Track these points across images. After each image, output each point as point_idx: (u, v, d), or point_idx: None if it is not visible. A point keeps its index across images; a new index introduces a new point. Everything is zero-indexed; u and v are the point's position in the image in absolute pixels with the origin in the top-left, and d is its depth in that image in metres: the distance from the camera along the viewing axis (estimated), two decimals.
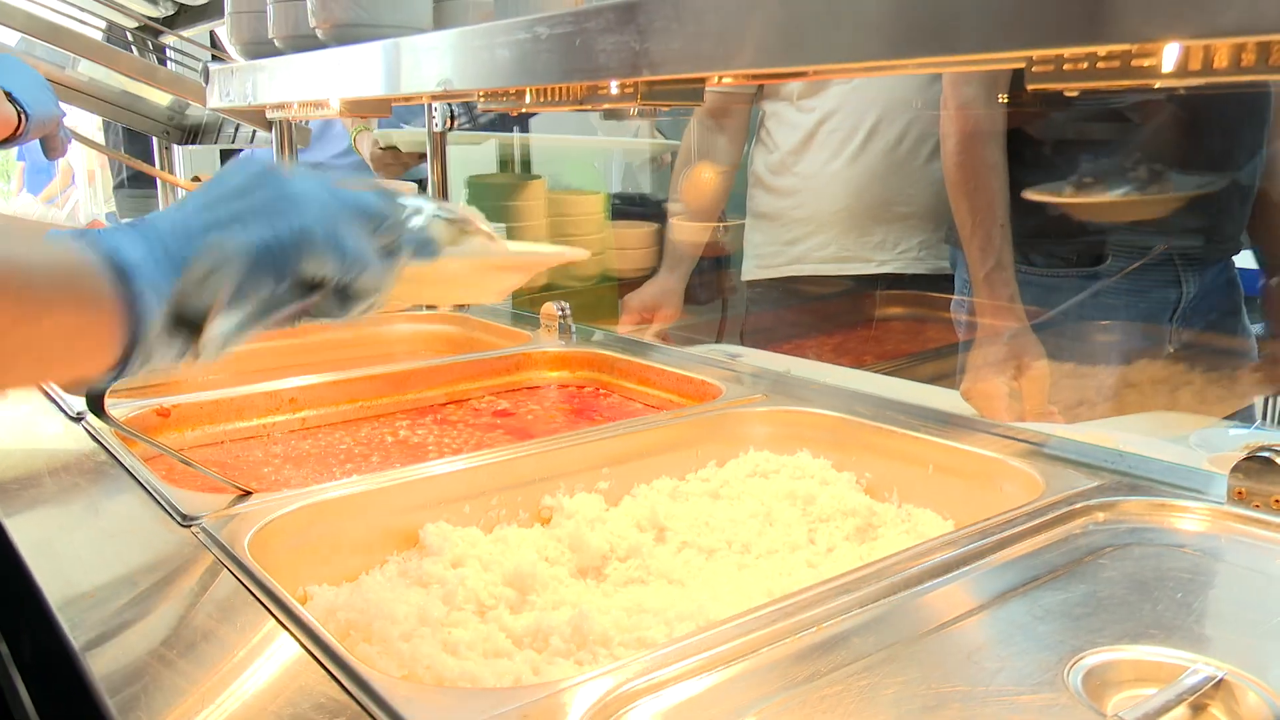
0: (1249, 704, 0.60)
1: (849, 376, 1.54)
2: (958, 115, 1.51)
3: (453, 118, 1.83)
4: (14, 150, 6.04)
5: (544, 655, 0.75)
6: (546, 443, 1.09)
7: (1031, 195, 1.51)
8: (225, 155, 2.73)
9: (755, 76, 1.34)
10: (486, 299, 0.94)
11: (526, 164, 2.53)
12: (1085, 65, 0.60)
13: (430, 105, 1.82)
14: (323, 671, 0.64)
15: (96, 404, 0.83)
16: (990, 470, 1.00)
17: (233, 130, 2.31)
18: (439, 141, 1.88)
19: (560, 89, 0.97)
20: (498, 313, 1.81)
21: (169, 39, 2.41)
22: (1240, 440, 1.25)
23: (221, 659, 0.66)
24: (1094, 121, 1.56)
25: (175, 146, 2.54)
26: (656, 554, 0.94)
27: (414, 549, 0.94)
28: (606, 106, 0.95)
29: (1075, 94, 0.61)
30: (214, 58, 2.04)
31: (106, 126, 3.10)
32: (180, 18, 2.41)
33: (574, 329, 1.58)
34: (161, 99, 2.47)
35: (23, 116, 1.51)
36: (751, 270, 2.09)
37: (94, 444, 1.08)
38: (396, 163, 2.47)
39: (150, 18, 2.38)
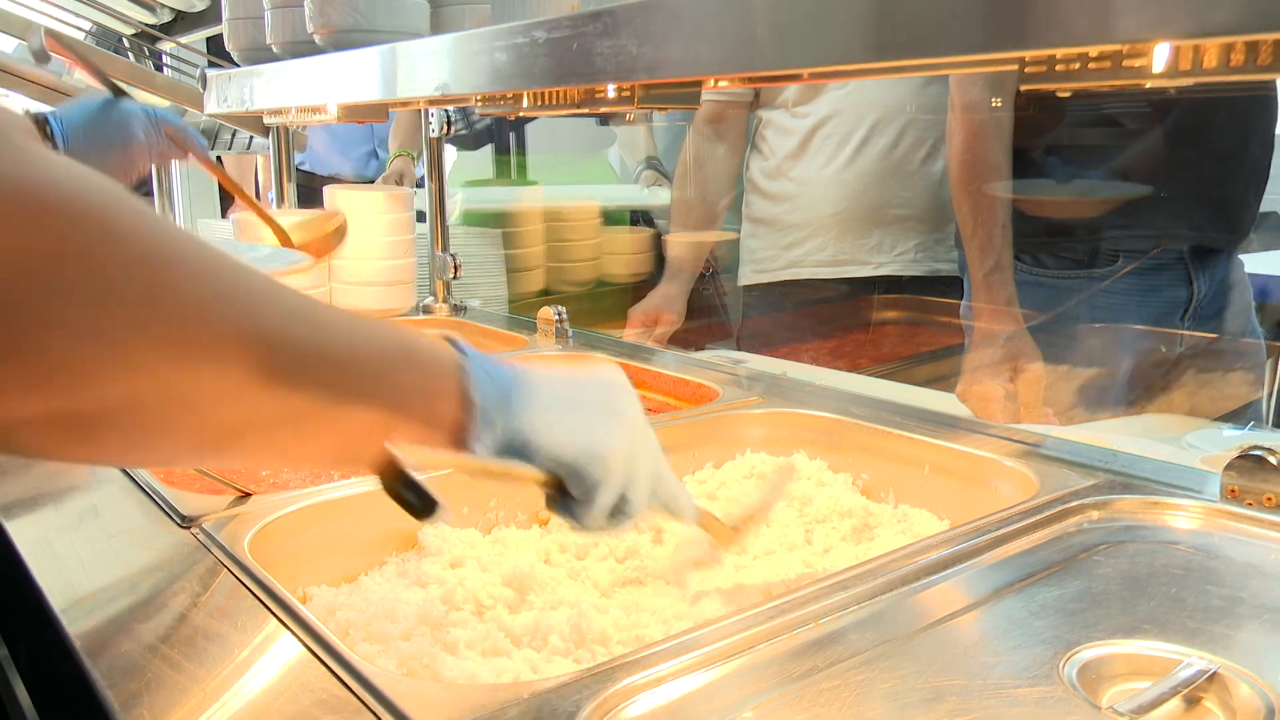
0: (1241, 696, 0.60)
1: (845, 379, 1.55)
2: (963, 116, 1.52)
3: (449, 123, 1.83)
4: None
5: (543, 654, 0.75)
6: None
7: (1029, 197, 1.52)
8: (220, 161, 2.73)
9: (751, 79, 1.35)
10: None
11: (523, 170, 2.55)
12: (1077, 66, 0.61)
13: (426, 111, 1.83)
14: (324, 669, 0.64)
15: None
16: (985, 470, 1.01)
17: (229, 136, 2.31)
18: (435, 147, 1.88)
19: (558, 92, 0.98)
20: (494, 317, 1.82)
21: (166, 45, 2.42)
22: (1233, 441, 1.26)
23: (223, 658, 0.66)
24: (1093, 126, 1.58)
25: None
26: (654, 555, 0.95)
27: (412, 550, 0.94)
28: (604, 110, 0.96)
29: (1068, 94, 0.62)
30: (211, 64, 2.04)
31: None
32: (177, 24, 2.42)
33: (570, 333, 1.59)
34: (158, 104, 2.47)
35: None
36: (748, 275, 2.10)
37: None
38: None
39: (147, 24, 2.38)
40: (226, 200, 2.81)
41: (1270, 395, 1.65)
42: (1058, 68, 0.62)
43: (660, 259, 2.44)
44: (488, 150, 2.60)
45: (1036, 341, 1.49)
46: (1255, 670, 0.62)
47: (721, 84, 1.24)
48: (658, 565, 0.92)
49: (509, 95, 1.05)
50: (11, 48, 2.37)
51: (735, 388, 1.29)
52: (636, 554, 0.94)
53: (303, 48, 1.42)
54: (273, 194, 2.12)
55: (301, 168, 2.71)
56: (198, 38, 2.46)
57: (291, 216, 1.79)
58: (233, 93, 1.63)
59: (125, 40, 2.46)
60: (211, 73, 1.71)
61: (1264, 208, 1.65)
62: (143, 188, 1.75)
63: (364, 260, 1.77)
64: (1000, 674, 0.62)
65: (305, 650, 0.66)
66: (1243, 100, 1.54)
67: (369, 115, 1.54)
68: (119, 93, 1.42)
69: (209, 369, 0.47)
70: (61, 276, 0.40)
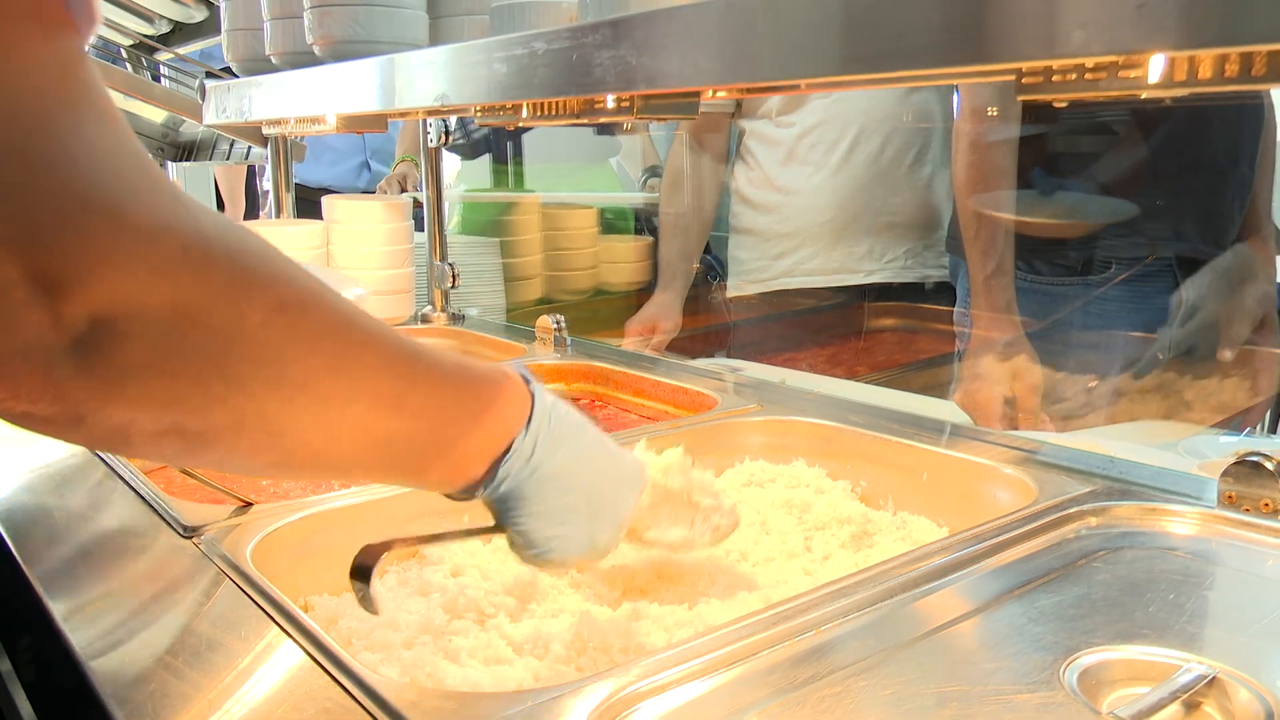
0: (1240, 701, 0.61)
1: (843, 386, 1.56)
2: (971, 119, 1.54)
3: (447, 133, 1.84)
4: None
5: (545, 662, 0.75)
6: None
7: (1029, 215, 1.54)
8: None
9: (750, 90, 1.36)
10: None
11: (520, 179, 2.55)
12: (1074, 76, 0.61)
13: (424, 120, 1.83)
14: (327, 678, 0.64)
15: None
16: (984, 477, 1.01)
17: (227, 147, 2.32)
18: (434, 156, 1.89)
19: (557, 103, 0.98)
20: (494, 326, 1.82)
21: (164, 56, 2.42)
22: (1230, 448, 1.27)
23: (227, 667, 0.66)
24: (1085, 134, 1.59)
25: (170, 163, 2.55)
26: (654, 563, 0.95)
27: (413, 559, 0.94)
28: (603, 120, 0.96)
29: (1064, 105, 0.63)
30: (209, 75, 2.05)
31: None
32: (175, 35, 2.43)
33: (569, 341, 1.59)
34: (156, 115, 2.48)
35: None
36: (739, 286, 2.11)
37: (94, 456, 1.08)
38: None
39: (146, 35, 2.39)
40: (222, 210, 2.81)
41: (1267, 402, 1.65)
42: (1054, 78, 0.62)
43: (657, 266, 2.45)
44: (486, 159, 2.61)
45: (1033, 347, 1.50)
46: (1254, 675, 0.62)
47: (719, 94, 1.24)
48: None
49: (508, 105, 1.06)
50: None
51: (734, 396, 1.29)
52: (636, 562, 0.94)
53: (302, 59, 1.43)
54: (272, 205, 2.13)
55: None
56: (195, 48, 2.47)
57: (286, 227, 1.79)
58: (231, 103, 1.64)
59: (123, 51, 2.46)
60: (210, 83, 1.71)
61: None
62: None
63: (362, 270, 1.77)
64: (1001, 680, 0.62)
65: (309, 659, 0.66)
66: (1233, 114, 1.56)
67: (368, 126, 1.54)
68: None
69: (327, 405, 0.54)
70: (212, 319, 0.46)
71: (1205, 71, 0.57)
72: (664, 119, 0.99)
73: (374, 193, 2.68)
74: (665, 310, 2.05)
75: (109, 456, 1.07)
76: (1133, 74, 0.59)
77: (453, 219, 2.63)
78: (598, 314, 2.25)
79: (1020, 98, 0.64)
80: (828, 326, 2.10)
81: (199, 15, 2.31)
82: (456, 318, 1.87)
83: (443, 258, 1.88)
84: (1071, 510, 0.88)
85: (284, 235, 1.71)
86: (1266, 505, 0.85)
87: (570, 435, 0.68)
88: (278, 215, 2.07)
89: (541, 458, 0.65)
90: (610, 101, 0.94)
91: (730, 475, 1.13)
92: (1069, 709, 0.59)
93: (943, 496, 1.04)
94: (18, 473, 1.05)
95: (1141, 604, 0.72)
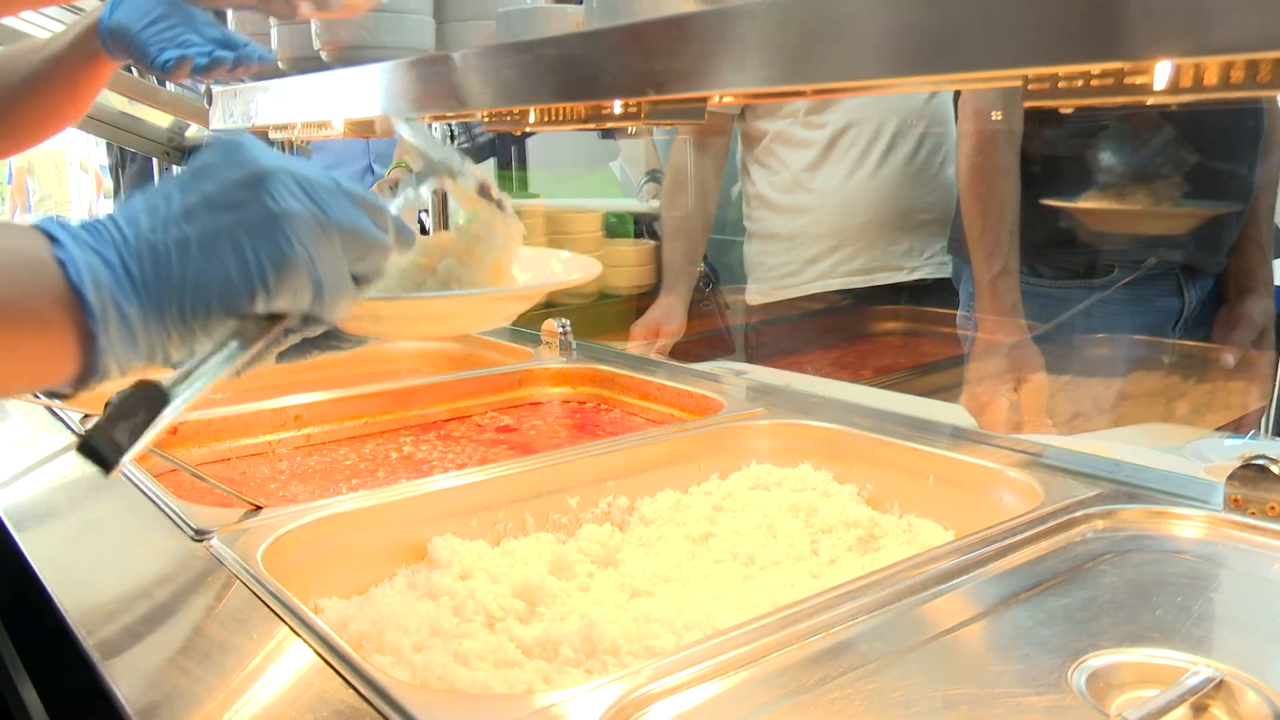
0: (1249, 704, 0.61)
1: (848, 390, 1.56)
2: (974, 120, 1.54)
3: (452, 137, 1.85)
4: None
5: (554, 664, 0.76)
6: (551, 457, 1.10)
7: (1049, 202, 1.53)
8: None
9: (757, 95, 1.36)
10: (489, 326, 0.91)
11: (524, 183, 2.56)
12: (1080, 83, 0.62)
13: (429, 125, 1.84)
14: (339, 680, 0.65)
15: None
16: (990, 480, 1.02)
17: None
18: None
19: (564, 109, 0.99)
20: (499, 331, 1.83)
21: None
22: (1235, 450, 1.27)
23: (240, 669, 0.67)
24: (1099, 137, 1.59)
25: (175, 167, 2.56)
26: (663, 565, 0.96)
27: (422, 562, 0.95)
28: (610, 125, 0.97)
29: (1070, 111, 0.63)
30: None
31: (108, 147, 3.13)
32: None
33: (575, 345, 1.60)
34: (162, 120, 2.49)
35: None
36: (763, 292, 2.09)
37: None
38: None
39: None
40: None
41: (1271, 405, 1.66)
42: (1060, 85, 0.63)
43: (661, 270, 2.45)
44: (490, 164, 2.62)
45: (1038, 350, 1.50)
46: (1261, 678, 0.63)
47: (726, 99, 1.25)
48: None
49: (514, 111, 1.06)
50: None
51: (740, 399, 1.29)
52: (646, 565, 0.95)
53: (308, 64, 1.44)
54: None
55: None
56: None
57: None
58: (238, 108, 1.64)
59: None
60: (217, 88, 1.72)
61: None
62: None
63: None
64: (1009, 683, 0.63)
65: (321, 661, 0.67)
66: (1232, 120, 1.56)
67: (374, 131, 1.55)
68: None
69: None
70: None
71: (1211, 78, 0.57)
72: (671, 124, 0.99)
73: None
74: (669, 313, 2.05)
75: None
76: (1139, 80, 0.60)
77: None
78: (602, 317, 2.25)
79: (1027, 104, 0.64)
80: (831, 330, 2.10)
81: None
82: None
83: None
84: (1078, 514, 0.88)
85: None
86: (1273, 508, 0.85)
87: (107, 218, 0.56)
88: None
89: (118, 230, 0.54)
90: (617, 107, 0.94)
91: (736, 478, 1.13)
92: (1078, 712, 0.60)
93: (949, 500, 1.04)
94: (29, 476, 1.06)
95: (1149, 607, 0.72)
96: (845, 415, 1.20)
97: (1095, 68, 0.60)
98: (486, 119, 1.14)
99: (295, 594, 0.77)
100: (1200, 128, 1.51)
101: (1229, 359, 1.60)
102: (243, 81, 1.46)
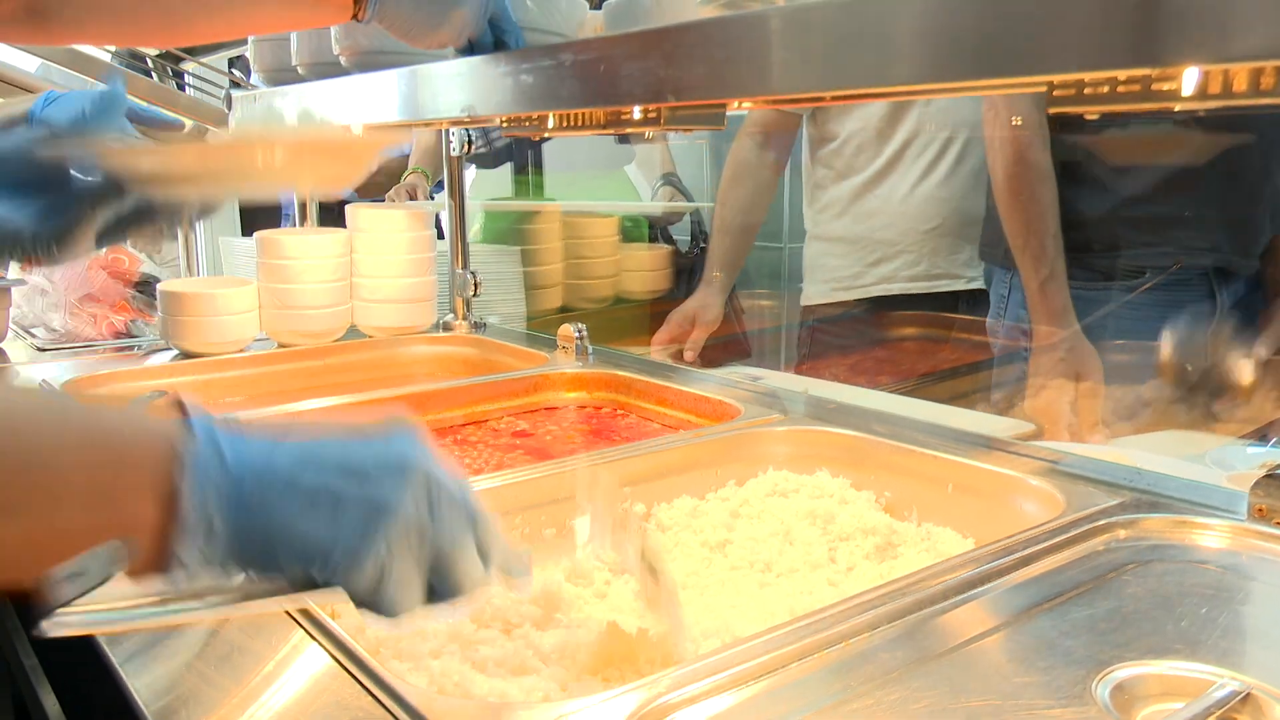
0: (1276, 717, 0.60)
1: (866, 396, 1.55)
2: (1009, 127, 1.54)
3: (470, 142, 1.85)
4: None
5: (572, 672, 0.75)
6: (568, 462, 1.10)
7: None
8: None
9: (777, 102, 1.36)
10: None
11: (540, 188, 2.56)
12: (1106, 89, 0.61)
13: (447, 130, 1.84)
14: (356, 685, 0.65)
15: None
16: (1010, 488, 1.01)
17: None
18: (455, 165, 1.90)
19: (583, 114, 0.99)
20: (515, 335, 1.83)
21: (189, 65, 2.45)
22: (1258, 458, 1.26)
23: (258, 674, 0.67)
24: (1129, 143, 1.59)
25: None
26: (680, 572, 0.95)
27: None
28: (629, 130, 0.97)
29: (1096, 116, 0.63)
30: (233, 84, 2.07)
31: None
32: (201, 46, 2.45)
33: (591, 350, 1.60)
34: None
35: None
36: (824, 294, 2.10)
37: None
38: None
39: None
40: (247, 218, 2.84)
41: None
42: (1086, 90, 0.62)
43: (678, 275, 2.45)
44: (507, 169, 2.62)
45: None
46: None
47: (745, 105, 1.25)
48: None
49: (534, 116, 1.06)
50: (34, 67, 2.41)
51: (757, 405, 1.29)
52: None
53: (328, 69, 1.44)
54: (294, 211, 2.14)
55: None
56: (220, 57, 2.50)
57: (311, 235, 1.80)
58: (258, 113, 1.65)
59: (149, 60, 2.49)
60: (237, 93, 1.73)
61: None
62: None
63: (385, 278, 1.78)
64: (1033, 694, 0.62)
65: (338, 667, 0.67)
66: (1267, 128, 1.55)
67: (393, 136, 1.55)
68: None
69: None
70: None
71: (1241, 84, 0.57)
72: (691, 129, 0.99)
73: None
74: (707, 305, 2.04)
75: None
76: (1166, 86, 0.59)
77: (473, 228, 2.64)
78: (618, 322, 2.25)
79: (1051, 110, 0.64)
80: (850, 335, 2.09)
81: None
82: (478, 326, 1.88)
83: (465, 266, 1.88)
84: (1100, 522, 0.87)
85: (309, 244, 1.72)
86: None
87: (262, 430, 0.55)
88: (301, 224, 2.09)
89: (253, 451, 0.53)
90: (636, 112, 0.94)
91: (754, 485, 1.13)
92: None
93: (968, 508, 1.03)
94: None
95: (1173, 618, 0.72)
96: (864, 422, 1.19)
97: (1122, 74, 0.59)
98: (506, 124, 1.15)
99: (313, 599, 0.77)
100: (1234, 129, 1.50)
101: (1251, 366, 1.58)
102: None
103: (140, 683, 0.66)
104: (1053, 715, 0.60)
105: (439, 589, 0.58)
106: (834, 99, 1.07)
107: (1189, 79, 0.58)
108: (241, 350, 1.66)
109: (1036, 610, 0.74)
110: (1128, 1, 0.54)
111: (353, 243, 1.80)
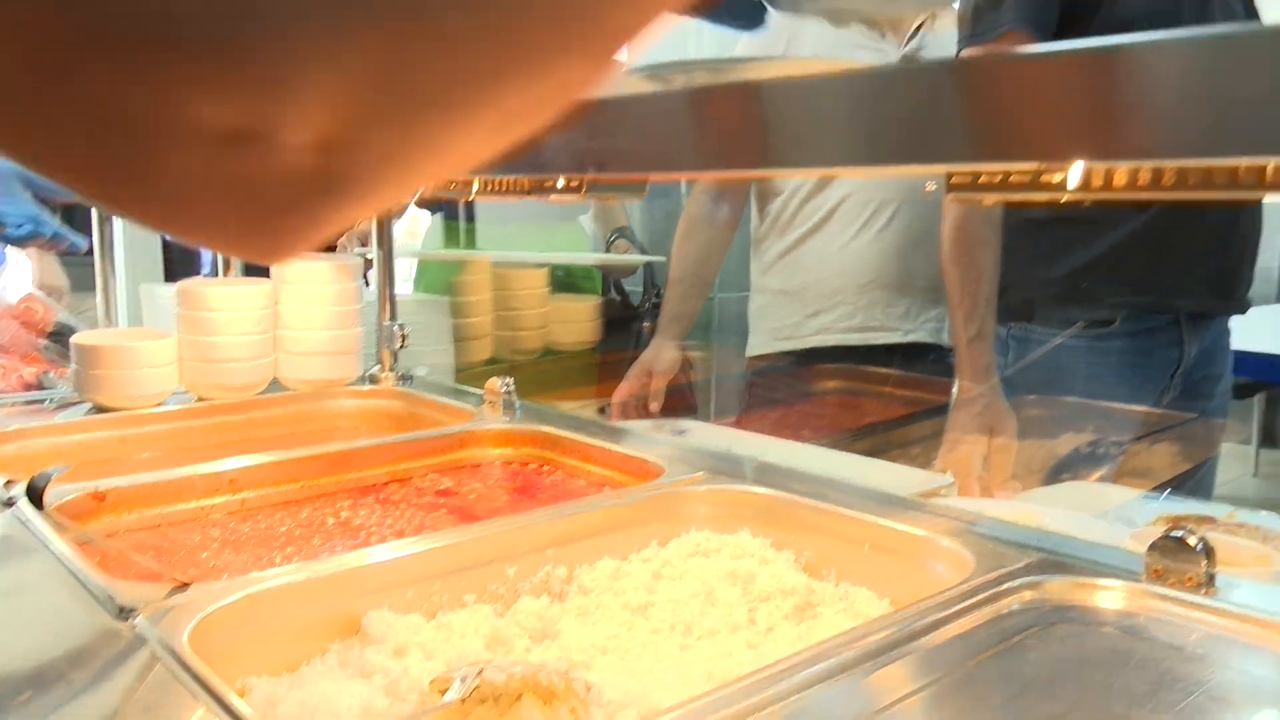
0: None
1: (792, 451, 1.57)
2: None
3: None
4: None
5: None
6: (489, 526, 1.10)
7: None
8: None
9: (693, 178, 1.40)
10: None
11: (472, 238, 2.57)
12: (999, 179, 0.65)
13: None
14: None
15: (36, 496, 0.82)
16: (923, 550, 1.03)
17: None
18: (383, 215, 1.89)
19: (507, 181, 1.00)
20: (442, 388, 1.82)
21: None
22: (1154, 512, 1.31)
23: None
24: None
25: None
26: (600, 635, 0.95)
27: (355, 637, 0.93)
28: (553, 199, 0.98)
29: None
30: None
31: None
32: None
33: (518, 405, 1.60)
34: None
35: None
36: (767, 344, 2.17)
37: (25, 532, 1.06)
38: None
39: None
40: (171, 265, 2.78)
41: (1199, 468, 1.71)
42: (981, 180, 0.66)
43: (608, 326, 2.46)
44: (438, 217, 2.62)
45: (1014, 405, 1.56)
46: None
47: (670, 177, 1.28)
48: None
49: (458, 181, 1.07)
50: None
51: (681, 463, 1.30)
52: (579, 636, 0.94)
53: None
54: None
55: None
56: None
57: (232, 286, 1.78)
58: None
59: None
60: None
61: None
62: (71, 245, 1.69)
63: (309, 330, 1.76)
64: None
65: None
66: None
67: None
68: None
69: None
70: None
71: (1120, 180, 0.60)
72: (612, 198, 1.01)
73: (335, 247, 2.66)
74: (659, 353, 2.08)
75: (39, 531, 1.04)
76: (1055, 179, 0.63)
77: (414, 277, 2.63)
78: (546, 375, 2.25)
79: (949, 197, 0.67)
80: (787, 387, 2.14)
81: None
82: (405, 378, 1.86)
83: (392, 317, 1.87)
84: (1005, 585, 0.90)
85: (230, 295, 1.70)
86: (1190, 580, 0.88)
87: None
88: (224, 273, 2.05)
89: None
90: (560, 182, 0.96)
91: (675, 545, 1.13)
92: None
93: (884, 568, 1.05)
94: None
95: (1072, 683, 0.74)
96: (784, 480, 1.21)
97: (1012, 167, 0.63)
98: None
99: (223, 673, 0.75)
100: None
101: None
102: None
103: None
104: None
105: None
106: (749, 177, 1.10)
107: (1074, 174, 0.62)
108: (159, 404, 1.62)
109: (947, 675, 0.76)
110: (1015, 103, 0.58)
111: (279, 294, 1.77)
